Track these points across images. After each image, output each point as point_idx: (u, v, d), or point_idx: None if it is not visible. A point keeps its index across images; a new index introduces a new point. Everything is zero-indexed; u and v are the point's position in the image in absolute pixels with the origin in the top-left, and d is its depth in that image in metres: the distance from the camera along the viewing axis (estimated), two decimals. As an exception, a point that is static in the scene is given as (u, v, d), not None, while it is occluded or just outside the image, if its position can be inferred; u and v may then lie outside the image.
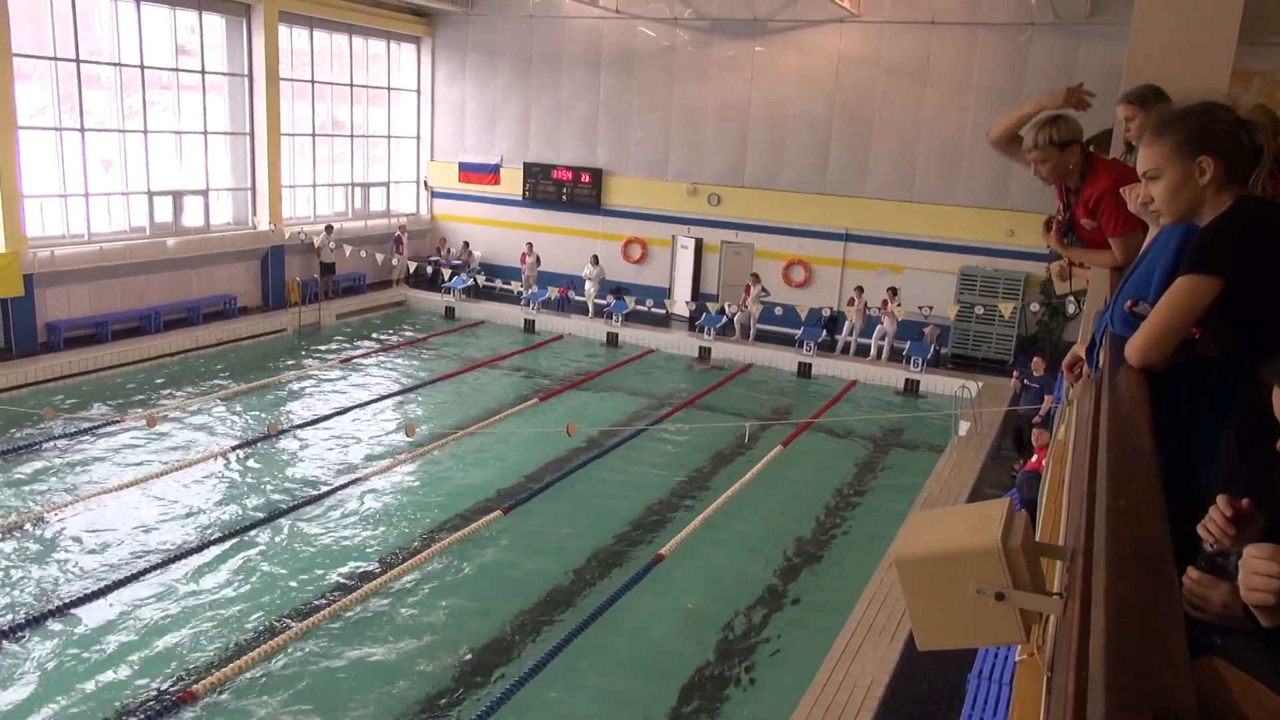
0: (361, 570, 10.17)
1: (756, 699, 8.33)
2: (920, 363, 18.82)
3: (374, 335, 20.93)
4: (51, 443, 13.30)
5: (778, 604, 10.02)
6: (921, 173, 20.24)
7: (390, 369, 18.54)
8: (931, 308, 19.30)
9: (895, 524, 11.54)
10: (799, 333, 20.23)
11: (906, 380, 18.72)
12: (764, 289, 20.80)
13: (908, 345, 19.18)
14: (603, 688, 8.36)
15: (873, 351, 19.69)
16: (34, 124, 16.97)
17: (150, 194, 19.10)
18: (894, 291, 19.58)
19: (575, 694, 8.18)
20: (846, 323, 20.01)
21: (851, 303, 20.00)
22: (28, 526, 10.78)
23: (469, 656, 8.66)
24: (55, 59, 17.16)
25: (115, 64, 18.24)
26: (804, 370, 19.59)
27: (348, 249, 21.53)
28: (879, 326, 19.62)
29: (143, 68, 18.63)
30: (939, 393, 18.23)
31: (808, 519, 12.20)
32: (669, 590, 10.08)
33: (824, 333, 20.11)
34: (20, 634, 8.61)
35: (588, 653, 8.76)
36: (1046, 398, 13.01)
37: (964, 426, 15.10)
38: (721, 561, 10.84)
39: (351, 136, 24.21)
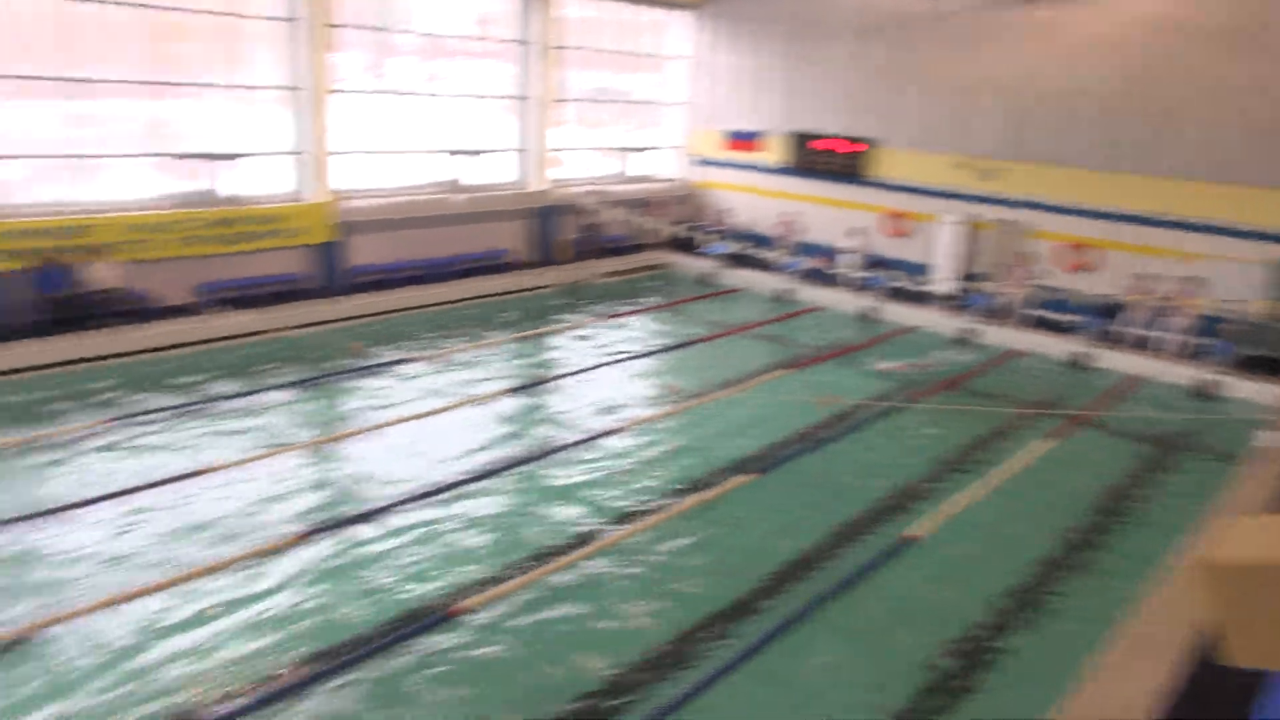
0: (600, 522, 10.65)
1: (999, 707, 7.89)
2: (1218, 362, 16.88)
3: (634, 296, 21.66)
4: (351, 375, 14.98)
5: (1030, 605, 9.43)
6: (1235, 151, 17.97)
7: (648, 329, 19.12)
8: (1236, 302, 17.21)
9: (1172, 537, 10.55)
10: (1075, 320, 18.75)
11: (1199, 380, 16.86)
12: (1038, 271, 19.39)
13: (1204, 342, 17.25)
14: (835, 664, 8.27)
15: (1160, 346, 17.89)
16: (346, 88, 19.00)
17: (443, 153, 20.79)
18: (1190, 281, 17.62)
19: (806, 666, 8.16)
20: (1131, 313, 18.29)
21: (1138, 291, 18.23)
22: (330, 446, 12.25)
23: (698, 618, 8.87)
24: (371, 29, 19.03)
25: (421, 34, 19.95)
26: (1079, 361, 18.16)
27: (612, 212, 22.35)
28: (1170, 320, 17.78)
29: (441, 37, 20.25)
30: (1237, 396, 16.31)
31: (1072, 519, 11.35)
32: (911, 576, 9.76)
33: (1104, 322, 18.51)
34: (311, 540, 9.81)
35: (822, 627, 8.71)
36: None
37: (1269, 437, 13.44)
38: (972, 553, 10.33)
39: (621, 102, 25.01)
